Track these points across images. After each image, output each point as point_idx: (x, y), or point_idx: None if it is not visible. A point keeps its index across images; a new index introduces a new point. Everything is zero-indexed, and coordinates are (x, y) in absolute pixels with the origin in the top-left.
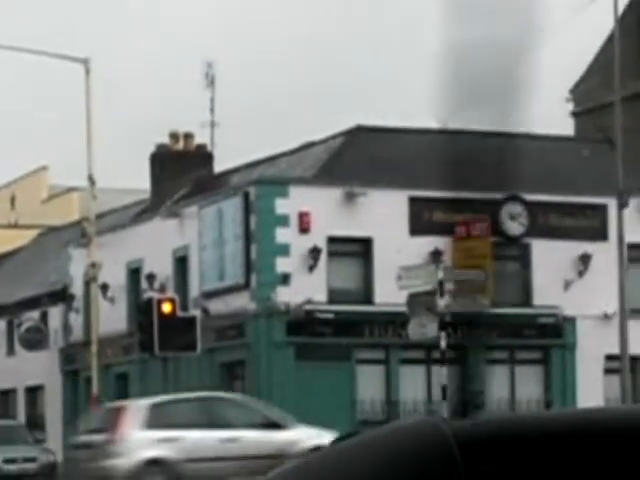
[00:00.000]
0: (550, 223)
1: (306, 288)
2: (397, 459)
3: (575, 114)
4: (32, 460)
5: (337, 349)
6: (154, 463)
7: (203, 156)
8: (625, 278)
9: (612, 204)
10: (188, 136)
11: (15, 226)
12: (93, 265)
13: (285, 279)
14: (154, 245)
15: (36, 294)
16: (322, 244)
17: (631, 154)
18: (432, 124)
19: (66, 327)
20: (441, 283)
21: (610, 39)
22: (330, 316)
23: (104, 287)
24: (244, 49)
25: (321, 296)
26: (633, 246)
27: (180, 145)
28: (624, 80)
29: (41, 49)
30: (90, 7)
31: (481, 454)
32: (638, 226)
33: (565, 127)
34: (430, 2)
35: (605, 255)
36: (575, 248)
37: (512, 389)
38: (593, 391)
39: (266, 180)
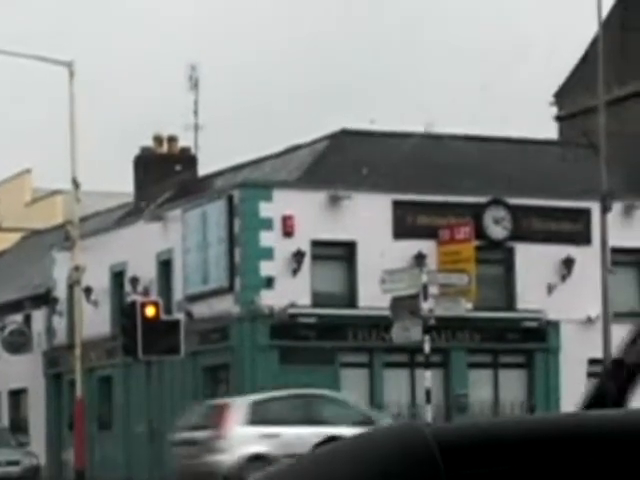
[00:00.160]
0: (534, 227)
1: (290, 292)
2: (379, 464)
3: (559, 118)
4: (15, 463)
5: (321, 352)
6: (256, 459)
7: (187, 159)
8: (608, 282)
9: (595, 208)
10: (172, 139)
11: None
12: (77, 268)
13: (269, 282)
14: (138, 248)
15: (19, 297)
16: (306, 248)
17: (615, 158)
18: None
19: (49, 330)
20: (425, 287)
21: (594, 43)
22: (314, 320)
23: (87, 290)
24: (243, 50)
25: (305, 299)
26: (616, 250)
27: (164, 148)
28: (608, 84)
29: (26, 52)
30: (75, 9)
31: (463, 458)
32: (621, 230)
33: (549, 131)
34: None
35: (589, 259)
36: (559, 252)
37: (496, 393)
38: (576, 395)
39: (250, 183)
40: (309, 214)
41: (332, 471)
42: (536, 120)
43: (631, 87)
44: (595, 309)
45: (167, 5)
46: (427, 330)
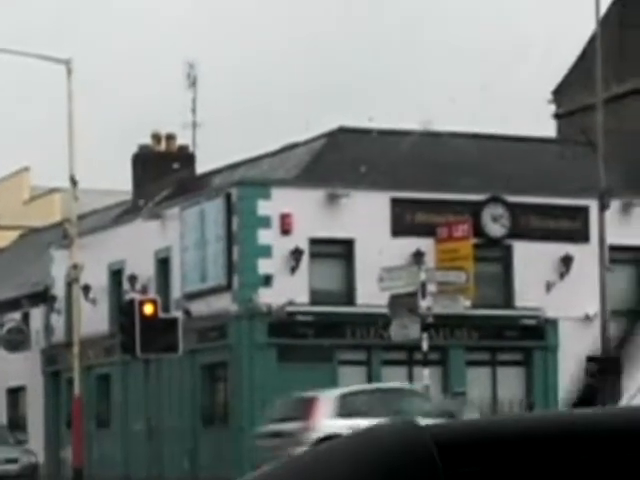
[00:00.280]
0: (532, 225)
1: (288, 289)
2: (376, 461)
3: (557, 116)
4: (14, 461)
5: (319, 350)
6: None
7: (185, 157)
8: (606, 280)
9: (594, 206)
10: (170, 137)
11: None
12: (75, 266)
13: (267, 280)
14: (136, 246)
15: (18, 295)
16: (304, 245)
17: (613, 156)
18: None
19: (48, 328)
20: (423, 284)
21: (592, 41)
22: (312, 317)
23: (86, 288)
24: (242, 48)
25: (303, 297)
26: (614, 248)
27: (162, 146)
28: (606, 82)
29: (23, 50)
30: (73, 7)
31: (461, 456)
32: (620, 228)
33: (547, 129)
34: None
35: (587, 257)
36: (557, 250)
37: (494, 390)
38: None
39: (248, 181)
40: (307, 212)
41: (331, 469)
42: (534, 118)
43: (629, 84)
44: (593, 307)
45: (165, 3)
46: (425, 328)
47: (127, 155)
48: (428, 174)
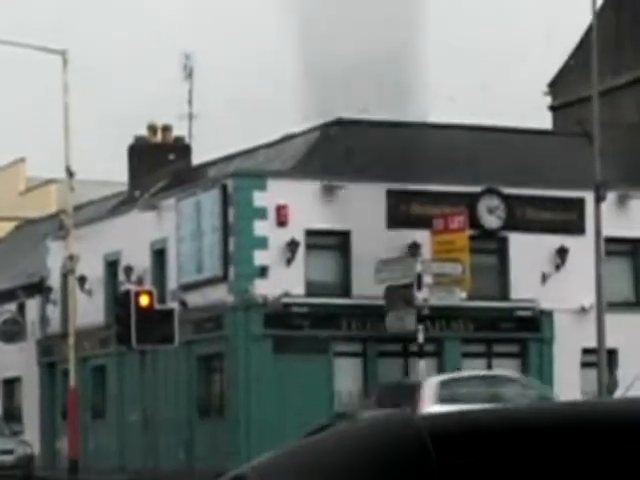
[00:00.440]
0: (528, 216)
1: (284, 281)
2: (371, 452)
3: (553, 108)
4: (9, 452)
5: (315, 342)
6: None
7: (181, 148)
8: (602, 272)
9: (589, 198)
10: (166, 128)
11: None
12: (71, 257)
13: (263, 272)
14: (132, 237)
15: (13, 286)
16: (300, 237)
17: (609, 148)
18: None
19: (43, 319)
20: (419, 276)
21: (588, 33)
22: (308, 309)
23: (82, 279)
24: (239, 39)
25: (299, 289)
26: (610, 240)
27: (158, 137)
28: (602, 74)
29: (19, 41)
30: None
31: (455, 448)
32: (615, 220)
33: (543, 121)
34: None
35: (582, 249)
36: (552, 242)
37: None
38: (570, 384)
39: (244, 173)
40: (303, 203)
41: (325, 459)
42: (530, 110)
43: (625, 77)
44: (589, 299)
45: None
46: (421, 319)
47: (123, 146)
48: (424, 166)
